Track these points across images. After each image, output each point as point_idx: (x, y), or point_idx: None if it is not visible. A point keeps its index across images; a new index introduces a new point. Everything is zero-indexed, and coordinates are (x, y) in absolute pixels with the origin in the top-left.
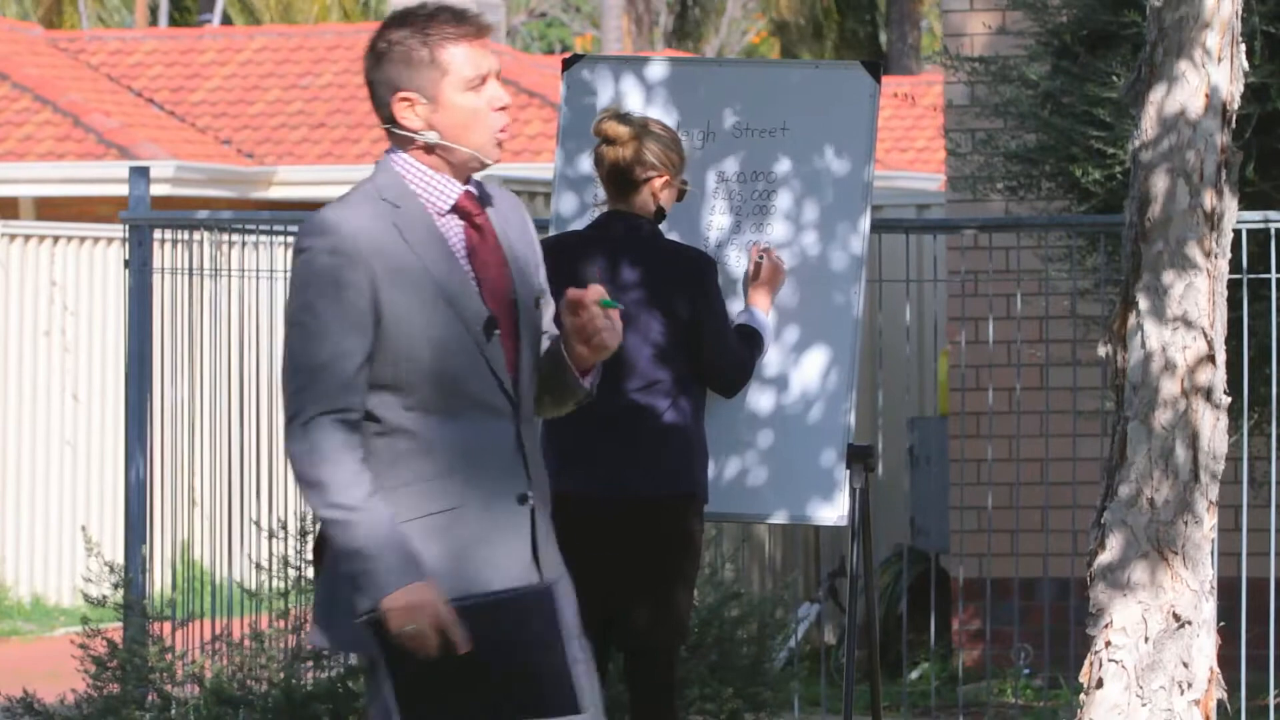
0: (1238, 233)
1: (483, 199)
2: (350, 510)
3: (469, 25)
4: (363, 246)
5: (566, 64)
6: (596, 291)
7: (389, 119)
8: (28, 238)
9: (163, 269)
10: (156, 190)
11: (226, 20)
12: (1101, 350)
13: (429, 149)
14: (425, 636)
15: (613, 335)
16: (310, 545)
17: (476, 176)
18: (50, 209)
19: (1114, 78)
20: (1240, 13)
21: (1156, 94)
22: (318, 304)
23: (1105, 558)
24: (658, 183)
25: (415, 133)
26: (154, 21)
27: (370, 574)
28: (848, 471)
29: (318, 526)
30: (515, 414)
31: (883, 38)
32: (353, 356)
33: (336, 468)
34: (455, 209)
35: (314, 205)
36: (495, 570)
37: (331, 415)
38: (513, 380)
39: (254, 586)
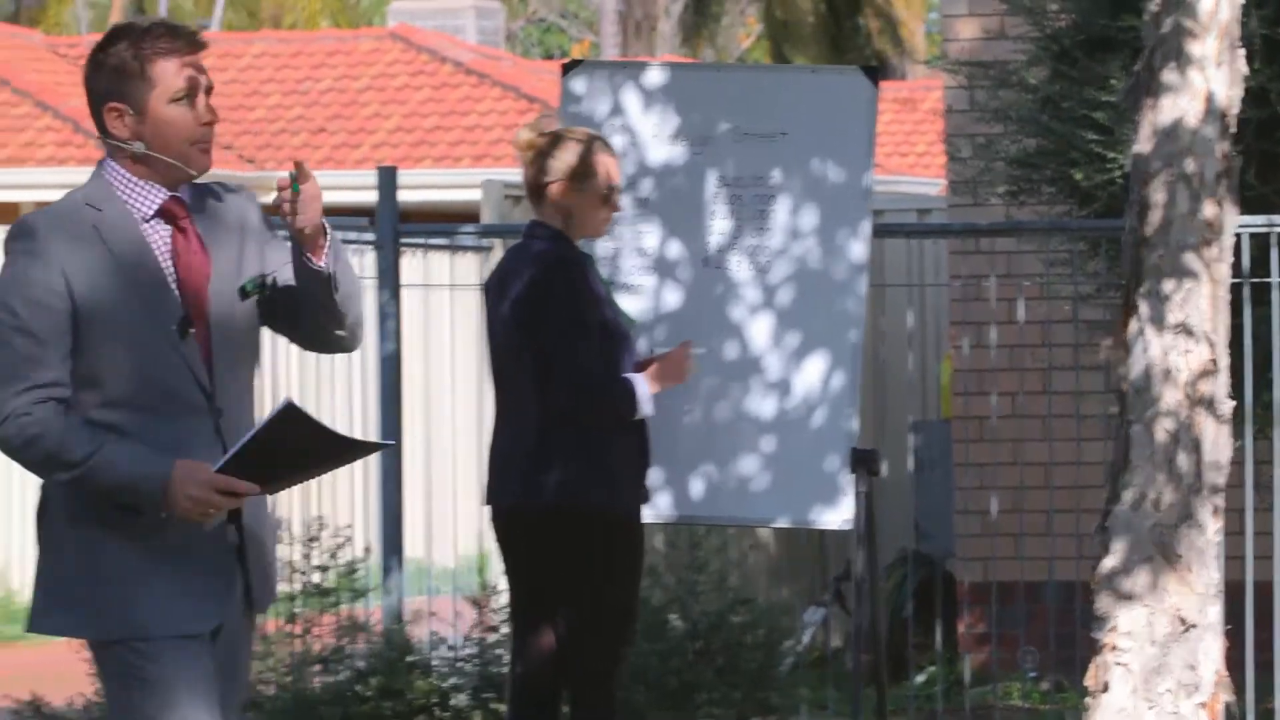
0: (1238, 237)
1: (198, 202)
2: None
3: (181, 40)
4: (58, 248)
5: (566, 69)
6: (283, 181)
7: (101, 128)
8: None
9: None
10: None
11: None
12: (1103, 355)
13: (136, 158)
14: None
15: (304, 215)
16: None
17: (209, 180)
18: None
19: (1113, 82)
20: (1239, 17)
21: (1154, 100)
22: (15, 303)
23: (1110, 562)
24: (555, 189)
25: (123, 142)
26: None
27: (137, 484)
28: (852, 476)
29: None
30: (212, 409)
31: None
32: (53, 350)
33: (58, 434)
34: (161, 213)
35: None
36: (197, 562)
37: (41, 399)
38: (209, 376)
39: None
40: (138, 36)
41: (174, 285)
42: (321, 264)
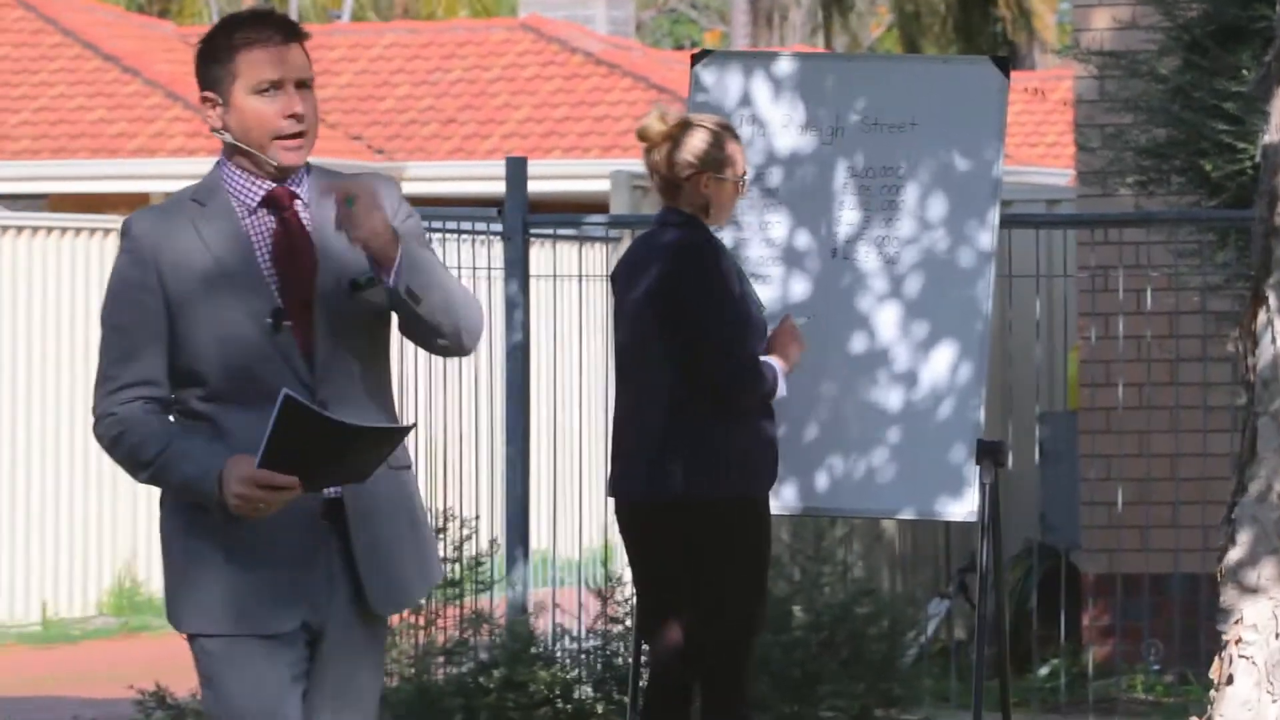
0: None
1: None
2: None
3: (271, 30)
4: (151, 247)
5: (695, 59)
6: (340, 195)
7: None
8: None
9: None
10: None
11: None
12: (1231, 346)
13: (238, 151)
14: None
15: (360, 229)
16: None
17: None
18: None
19: (1244, 72)
20: None
21: None
22: (115, 302)
23: (1235, 554)
24: (696, 179)
25: (217, 131)
26: None
27: (197, 483)
28: (977, 467)
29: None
30: (314, 401)
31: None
32: (146, 348)
33: (138, 434)
34: (266, 203)
35: (444, 201)
36: (277, 559)
37: (129, 399)
38: (308, 367)
39: None
40: (231, 27)
41: (271, 277)
42: (388, 280)
